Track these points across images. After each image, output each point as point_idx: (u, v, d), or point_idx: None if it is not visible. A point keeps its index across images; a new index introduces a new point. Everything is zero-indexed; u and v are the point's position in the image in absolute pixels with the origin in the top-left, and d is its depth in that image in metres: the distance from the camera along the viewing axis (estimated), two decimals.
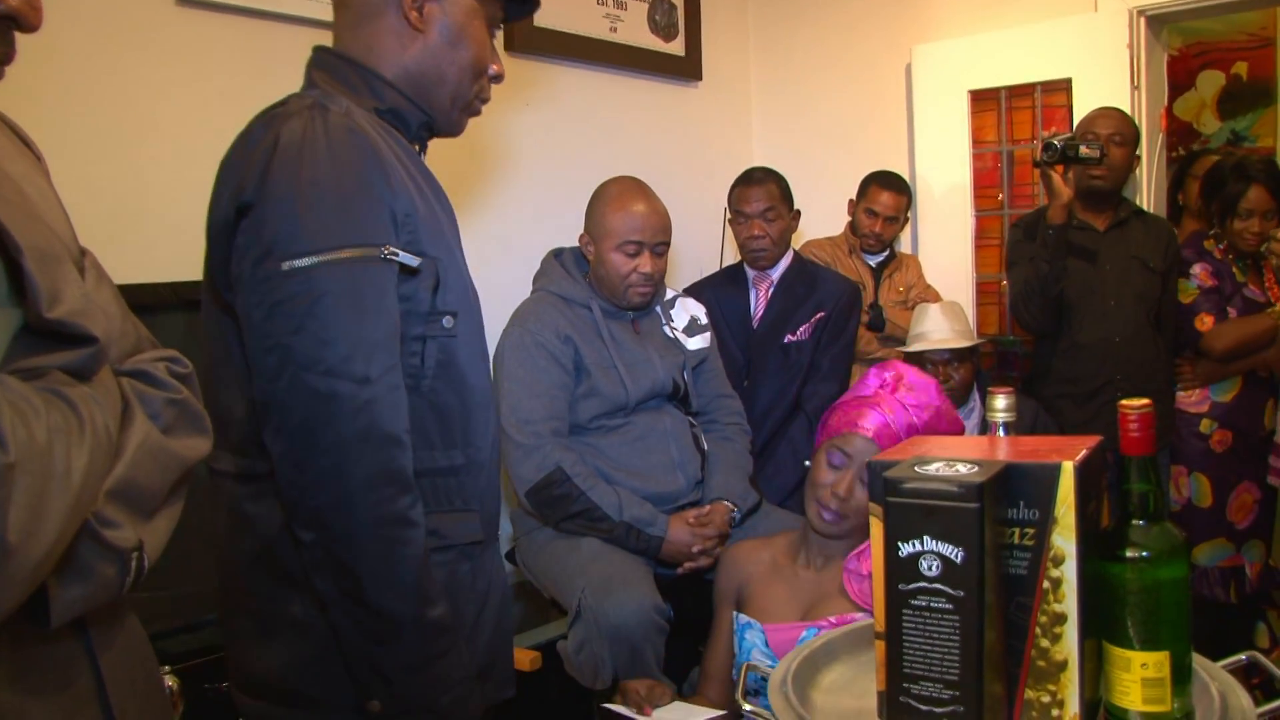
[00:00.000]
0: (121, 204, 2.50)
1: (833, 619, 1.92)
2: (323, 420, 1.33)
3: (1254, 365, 3.35)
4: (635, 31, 4.00)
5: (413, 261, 1.44)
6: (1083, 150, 3.13)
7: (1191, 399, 3.38)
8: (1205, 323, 3.36)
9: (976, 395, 3.23)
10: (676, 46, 4.19)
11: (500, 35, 3.50)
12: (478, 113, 1.70)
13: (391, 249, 1.41)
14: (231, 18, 2.75)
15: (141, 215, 2.51)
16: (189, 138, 2.54)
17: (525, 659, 2.54)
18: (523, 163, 3.63)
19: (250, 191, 1.38)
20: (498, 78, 1.68)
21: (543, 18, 3.63)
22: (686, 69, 4.25)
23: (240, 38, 2.74)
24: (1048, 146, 3.12)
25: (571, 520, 2.55)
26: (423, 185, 1.54)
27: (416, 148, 1.64)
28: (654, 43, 4.09)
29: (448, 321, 1.52)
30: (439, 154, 3.32)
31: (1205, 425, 3.34)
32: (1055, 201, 3.17)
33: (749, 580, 2.16)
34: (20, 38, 1.07)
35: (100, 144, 2.53)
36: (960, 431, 2.10)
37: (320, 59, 1.60)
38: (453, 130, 1.68)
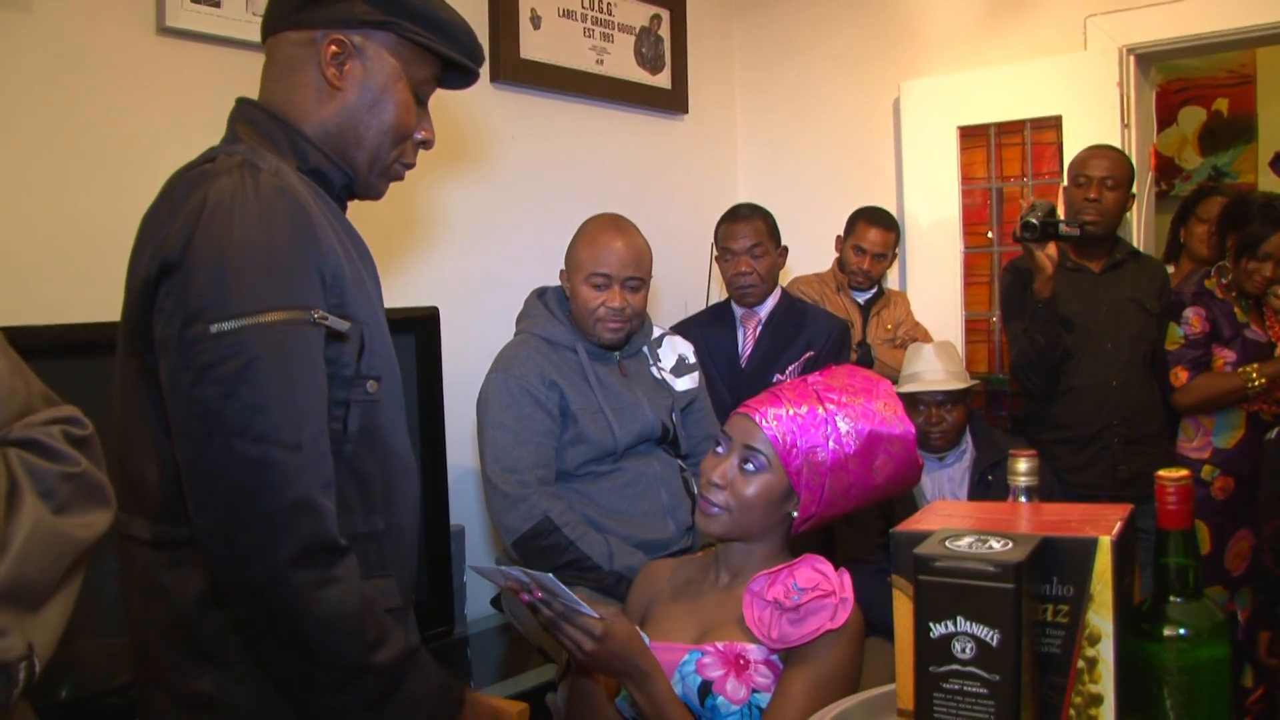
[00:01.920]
0: (98, 238, 2.43)
1: (720, 646, 1.76)
2: (254, 489, 1.28)
3: (1259, 408, 3.31)
4: (621, 64, 3.97)
5: (341, 326, 1.40)
6: (1063, 229, 3.09)
7: (1193, 444, 3.33)
8: (1179, 377, 3.31)
9: (969, 438, 3.18)
10: (663, 79, 4.16)
11: (485, 68, 3.48)
12: (399, 177, 1.64)
13: (321, 313, 1.36)
14: (211, 47, 2.70)
15: (119, 250, 2.44)
16: (169, 168, 2.51)
17: (513, 710, 2.45)
18: (507, 195, 3.58)
19: (176, 251, 1.33)
20: (425, 143, 1.62)
21: (529, 49, 3.60)
22: (672, 102, 4.22)
23: (220, 68, 2.68)
24: (1027, 225, 3.07)
25: (561, 570, 2.47)
26: (349, 247, 1.49)
27: (340, 207, 1.59)
28: (640, 75, 4.06)
29: (371, 386, 1.47)
30: (421, 185, 3.28)
31: (1207, 472, 3.28)
32: (1040, 276, 3.13)
33: (656, 598, 1.97)
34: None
35: (79, 174, 2.48)
36: (905, 436, 1.86)
37: (244, 111, 1.54)
38: (370, 194, 1.62)
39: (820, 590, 1.71)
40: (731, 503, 1.81)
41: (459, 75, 1.65)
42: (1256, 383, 3.19)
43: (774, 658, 1.74)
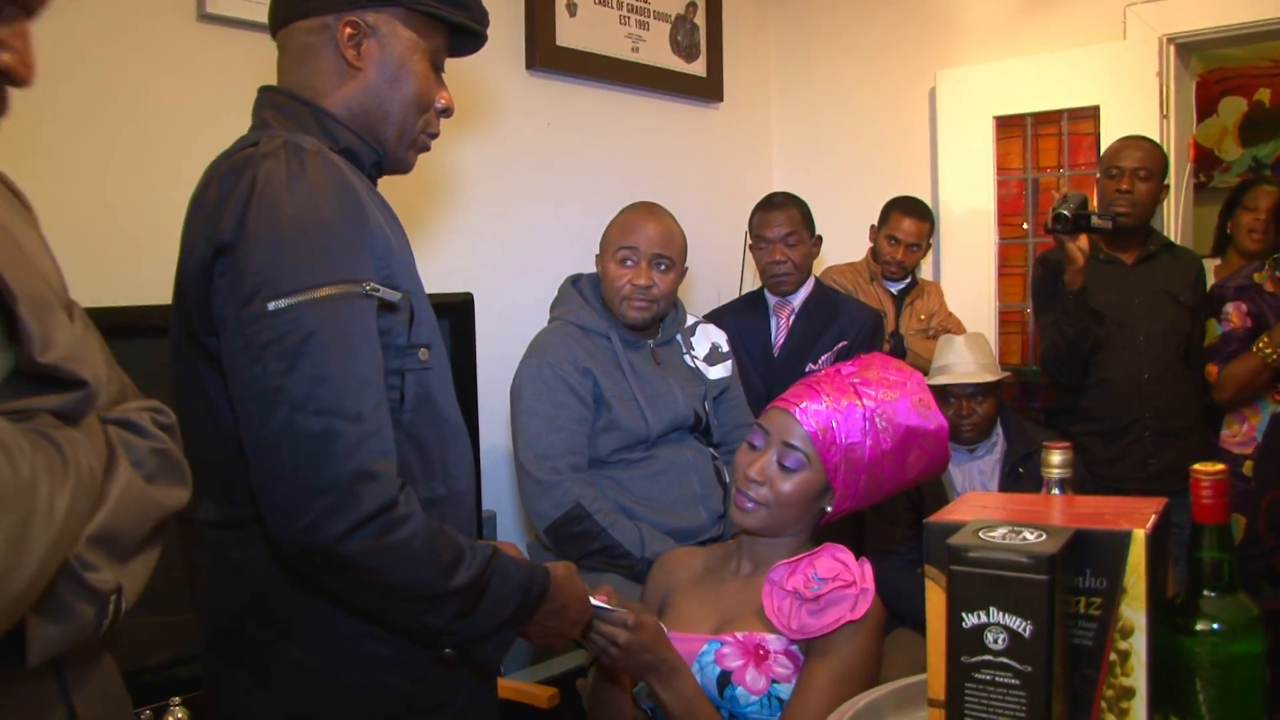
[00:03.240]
0: (140, 222, 2.46)
1: (739, 636, 1.76)
2: (318, 461, 1.31)
3: None
4: (657, 52, 3.97)
5: (393, 297, 1.43)
6: (1095, 221, 3.08)
7: (1236, 439, 3.28)
8: (1211, 373, 3.28)
9: (1000, 431, 3.17)
10: (698, 67, 4.15)
11: (521, 55, 3.50)
12: (427, 148, 1.67)
13: (373, 285, 1.40)
14: (253, 34, 2.71)
15: (160, 234, 2.47)
16: (208, 154, 2.54)
17: (543, 695, 2.48)
18: (542, 183, 3.59)
19: (229, 232, 1.36)
20: (446, 111, 1.64)
21: (564, 37, 3.60)
22: (708, 90, 4.22)
23: (259, 54, 2.69)
24: (1059, 217, 3.05)
25: (592, 557, 2.49)
26: (388, 220, 1.53)
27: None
28: (676, 63, 4.05)
29: (423, 354, 1.50)
30: (456, 172, 3.30)
31: (1249, 467, 3.22)
32: (1071, 268, 3.11)
33: (674, 588, 1.96)
34: (36, 48, 1.07)
35: (120, 161, 2.50)
36: (939, 432, 1.86)
37: (269, 99, 1.57)
38: (400, 168, 1.65)
39: (841, 580, 1.71)
40: (770, 499, 1.80)
41: (468, 40, 1.67)
42: (1271, 355, 3.13)
43: (794, 648, 1.74)
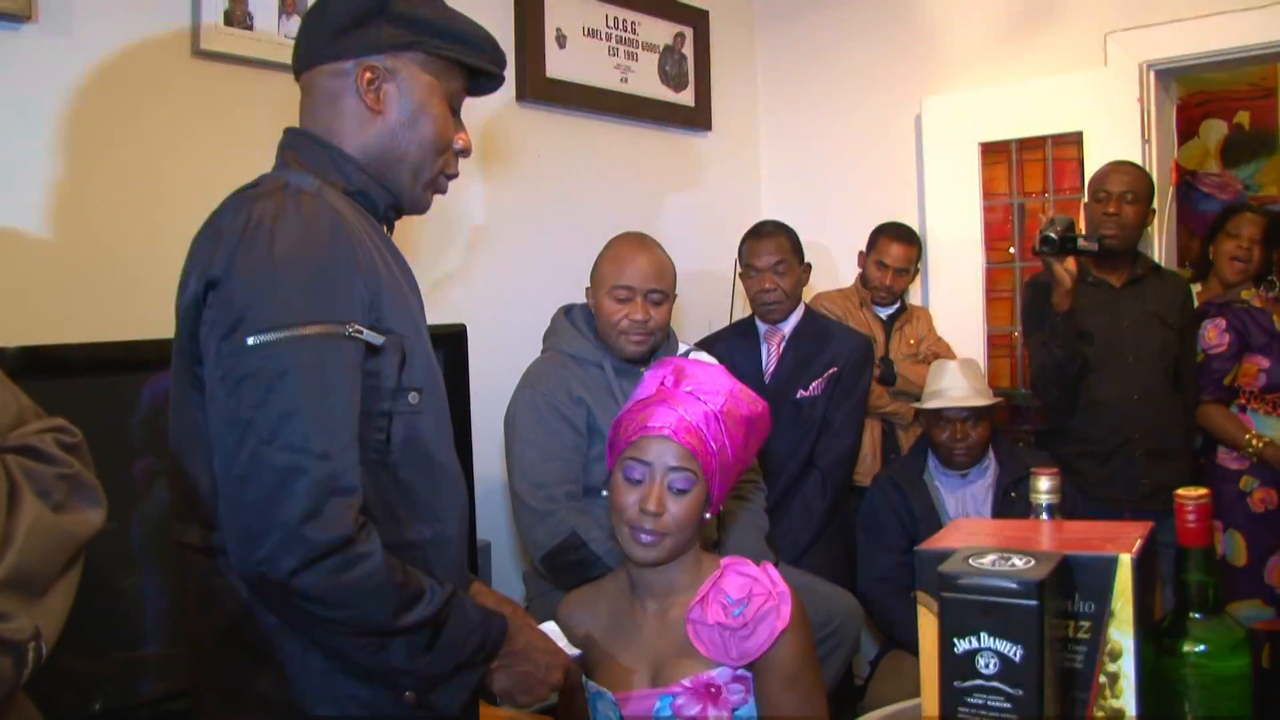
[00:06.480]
0: (136, 257, 2.48)
1: (686, 682, 1.78)
2: (279, 496, 1.33)
3: None
4: (646, 82, 4.01)
5: (376, 340, 1.45)
6: (1081, 243, 3.11)
7: (1233, 455, 3.28)
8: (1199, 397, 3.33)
9: (992, 454, 3.19)
10: (686, 97, 4.19)
11: (511, 87, 3.52)
12: (443, 189, 1.70)
13: (356, 326, 1.42)
14: (248, 70, 2.74)
15: (156, 268, 2.48)
16: (205, 190, 2.55)
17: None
18: (533, 213, 3.62)
19: (219, 267, 1.39)
20: (465, 152, 1.69)
21: (554, 68, 3.64)
22: (696, 119, 4.25)
23: (254, 89, 2.72)
24: (1046, 239, 3.09)
25: None
26: (390, 263, 1.55)
27: (385, 228, 1.65)
28: (664, 93, 4.09)
29: (413, 398, 1.52)
30: (448, 204, 3.32)
31: (1245, 482, 3.22)
32: (1059, 289, 3.15)
33: (589, 639, 1.93)
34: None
35: (116, 196, 2.51)
36: (765, 412, 1.93)
37: (290, 140, 1.62)
38: (417, 208, 1.68)
39: (758, 597, 1.75)
40: (670, 525, 1.81)
41: (486, 81, 1.72)
42: (1251, 450, 3.20)
43: (739, 670, 1.77)
